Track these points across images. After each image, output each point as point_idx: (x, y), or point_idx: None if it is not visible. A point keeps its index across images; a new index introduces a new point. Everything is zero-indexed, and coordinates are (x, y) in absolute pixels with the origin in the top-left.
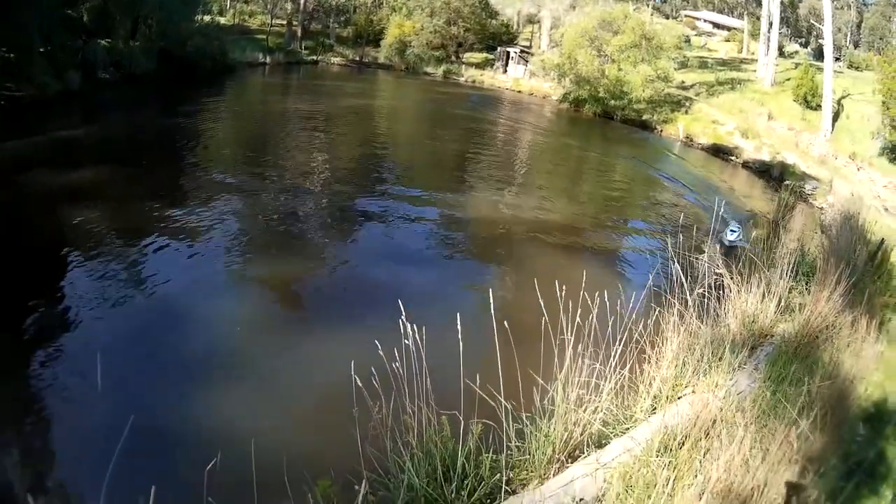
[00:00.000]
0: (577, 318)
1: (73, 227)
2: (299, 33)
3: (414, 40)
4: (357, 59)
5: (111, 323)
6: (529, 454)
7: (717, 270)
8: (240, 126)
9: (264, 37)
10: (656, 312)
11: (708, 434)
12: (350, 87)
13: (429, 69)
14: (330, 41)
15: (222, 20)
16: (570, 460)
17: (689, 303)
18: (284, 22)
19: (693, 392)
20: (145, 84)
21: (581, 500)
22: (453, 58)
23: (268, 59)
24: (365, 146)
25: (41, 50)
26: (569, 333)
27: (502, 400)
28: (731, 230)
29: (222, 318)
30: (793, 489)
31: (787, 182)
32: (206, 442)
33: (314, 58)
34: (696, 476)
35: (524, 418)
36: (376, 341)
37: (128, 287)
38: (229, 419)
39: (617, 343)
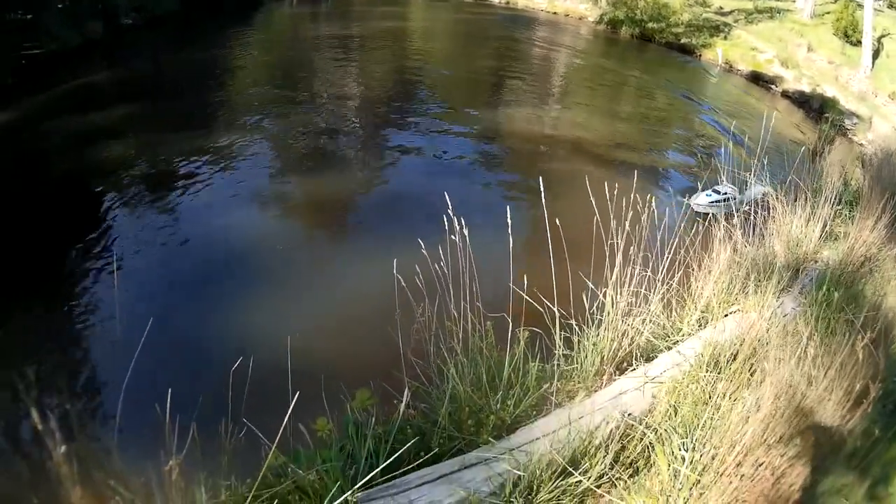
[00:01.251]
0: (627, 226)
1: (106, 159)
2: None
3: None
4: None
5: (153, 243)
6: (578, 363)
7: (764, 190)
8: (272, 55)
9: None
10: (703, 228)
11: (755, 352)
12: (381, 12)
13: None
14: None
15: None
16: (617, 373)
17: (736, 220)
18: None
19: (739, 311)
20: (170, 25)
21: (629, 414)
22: None
23: None
24: (400, 67)
25: (59, 5)
26: (619, 238)
27: (551, 305)
28: (707, 193)
29: (262, 230)
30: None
31: (826, 115)
32: (238, 347)
33: None
34: (749, 390)
35: (572, 326)
36: (420, 241)
37: (168, 208)
38: (264, 325)
39: (666, 252)
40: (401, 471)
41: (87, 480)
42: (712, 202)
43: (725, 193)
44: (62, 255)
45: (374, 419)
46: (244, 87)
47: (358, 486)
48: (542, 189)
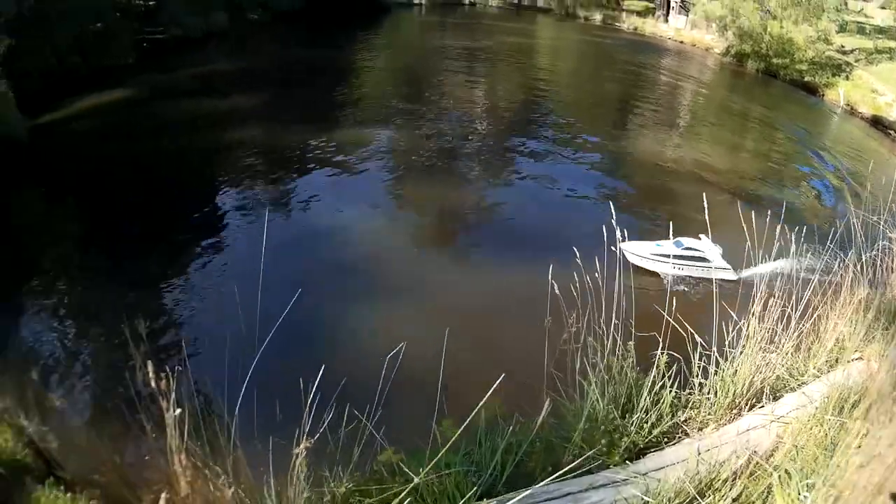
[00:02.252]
0: (766, 259)
1: (222, 144)
2: None
3: None
4: (515, 1)
5: (269, 237)
6: (713, 394)
7: (890, 234)
8: (398, 60)
9: None
10: (830, 272)
11: (880, 400)
12: (508, 28)
13: (588, 14)
14: None
15: None
16: (746, 408)
17: (862, 265)
18: None
19: (866, 357)
20: (295, 23)
21: (755, 451)
22: (613, 4)
23: (423, 0)
24: (525, 83)
25: None
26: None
27: (693, 332)
28: (658, 244)
29: (395, 231)
30: None
31: None
32: (369, 341)
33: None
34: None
35: (708, 356)
36: (575, 250)
37: (289, 201)
38: (405, 325)
39: (806, 291)
40: (526, 485)
41: (194, 450)
42: (655, 255)
43: (698, 251)
44: (182, 225)
45: (506, 428)
46: (368, 88)
47: (480, 496)
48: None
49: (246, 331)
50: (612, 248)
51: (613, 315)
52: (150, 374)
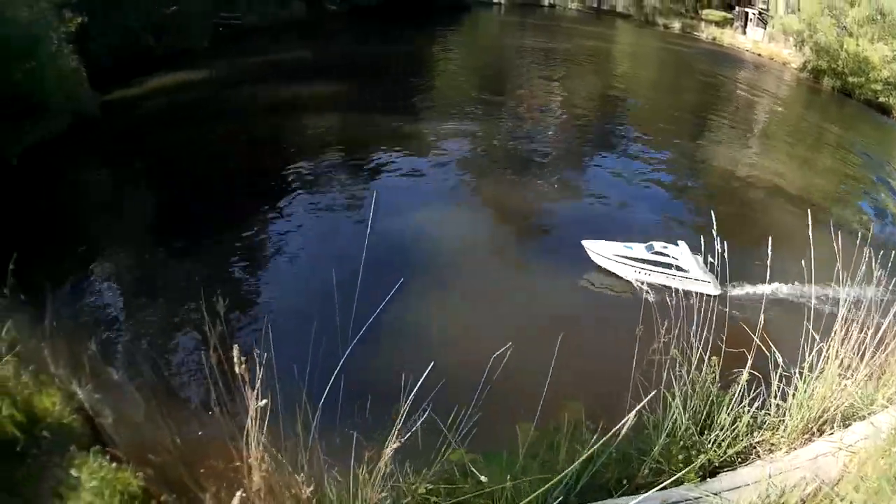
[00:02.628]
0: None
1: (295, 129)
2: None
3: None
4: (594, 5)
5: (341, 228)
6: (788, 417)
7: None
8: (476, 58)
9: None
10: None
11: None
12: (587, 31)
13: (666, 21)
14: None
15: None
16: (818, 433)
17: None
18: None
19: None
20: (374, 16)
21: (822, 480)
22: (692, 13)
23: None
24: (602, 88)
25: None
26: (843, 293)
27: (777, 351)
28: (628, 245)
29: (472, 231)
30: None
31: None
32: (443, 340)
33: (549, 1)
34: None
35: (788, 377)
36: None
37: (365, 193)
38: (482, 330)
39: (888, 319)
40: (599, 497)
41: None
42: (620, 256)
43: (669, 258)
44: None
45: (586, 435)
46: (445, 83)
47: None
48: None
49: (333, 320)
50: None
51: (702, 328)
52: (236, 359)
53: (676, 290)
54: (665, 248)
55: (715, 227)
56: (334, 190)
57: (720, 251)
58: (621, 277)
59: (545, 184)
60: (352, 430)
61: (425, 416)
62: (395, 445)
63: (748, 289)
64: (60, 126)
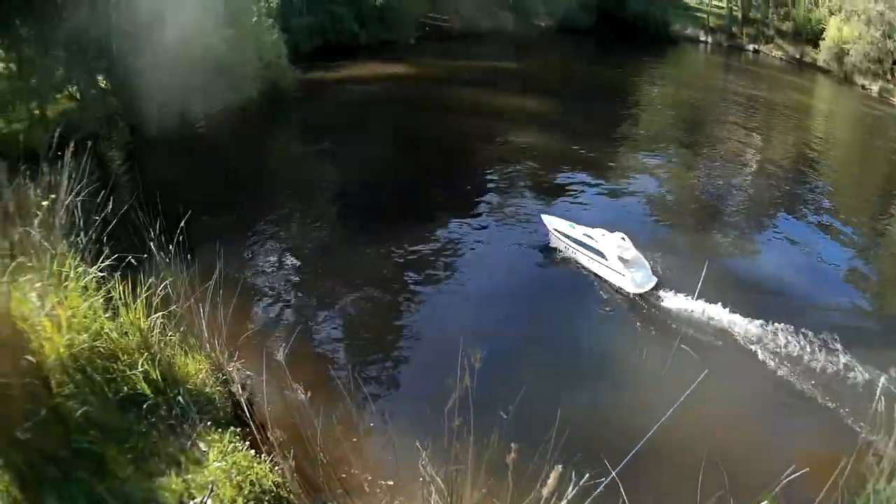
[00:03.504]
0: None
1: (493, 143)
2: (739, 18)
3: (851, 48)
4: (796, 56)
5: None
6: None
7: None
8: (678, 93)
9: (704, 15)
10: None
11: None
12: (787, 81)
13: (865, 82)
14: (770, 32)
15: None
16: None
17: None
18: (721, 3)
19: None
20: (582, 36)
21: None
22: (888, 75)
23: (708, 39)
24: (796, 144)
25: None
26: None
27: None
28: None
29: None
30: None
31: None
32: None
33: (753, 46)
34: None
35: None
36: None
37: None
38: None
39: None
40: None
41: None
42: (558, 231)
43: (594, 241)
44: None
45: None
46: (645, 115)
47: None
48: None
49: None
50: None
51: None
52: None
53: (597, 275)
54: (603, 235)
55: None
56: (519, 202)
57: None
58: None
59: (722, 237)
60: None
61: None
62: None
63: None
64: (252, 93)
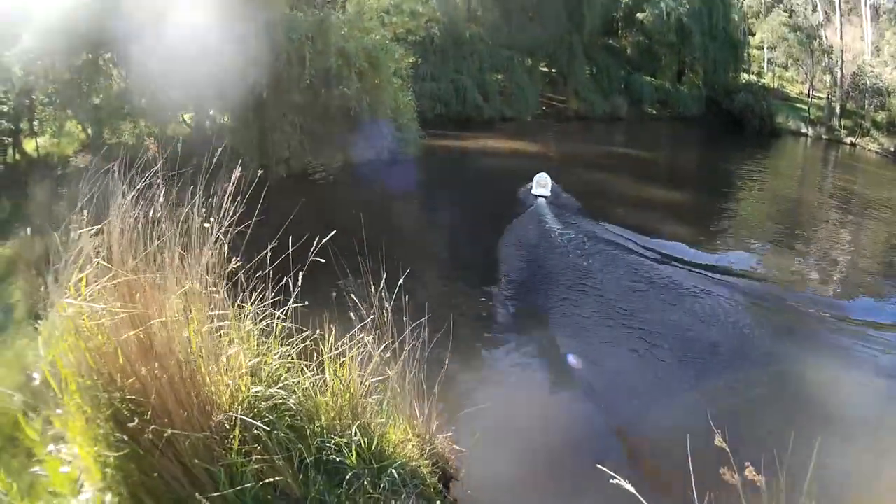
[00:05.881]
0: None
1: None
2: (837, 110)
3: None
4: (892, 149)
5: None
6: None
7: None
8: (779, 185)
9: (804, 106)
10: None
11: None
12: (883, 176)
13: None
14: (866, 124)
15: (763, 81)
16: None
17: None
18: (822, 95)
19: None
20: (691, 127)
21: None
22: None
23: (809, 132)
24: (889, 243)
25: (586, 71)
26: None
27: None
28: (541, 185)
29: None
30: None
31: None
32: None
33: (851, 139)
34: None
35: None
36: None
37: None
38: None
39: None
40: None
41: None
42: (548, 191)
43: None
44: None
45: None
46: (747, 209)
47: None
48: None
49: None
50: None
51: None
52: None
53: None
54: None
55: None
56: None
57: None
58: None
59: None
60: None
61: None
62: None
63: None
64: (383, 153)
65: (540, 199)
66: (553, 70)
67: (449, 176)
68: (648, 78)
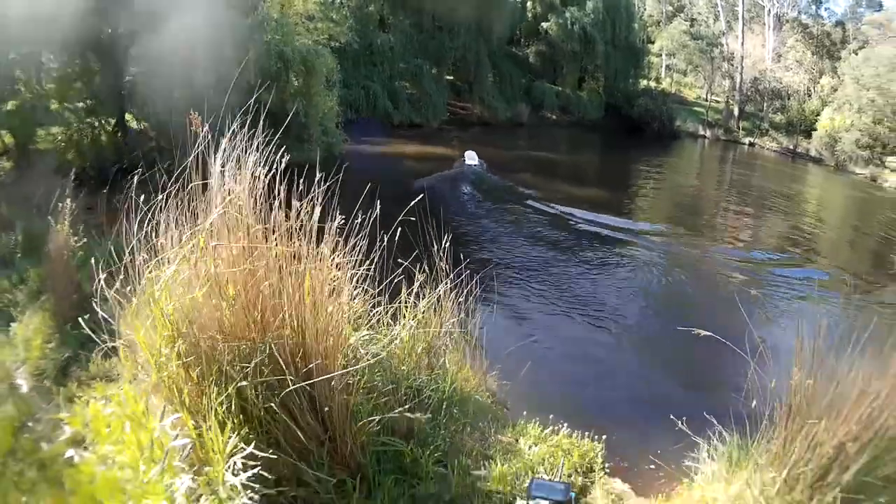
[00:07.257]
0: None
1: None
2: (735, 112)
3: (843, 136)
4: (790, 147)
5: None
6: None
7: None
8: (678, 180)
9: (703, 110)
10: None
11: None
12: (781, 171)
13: (857, 169)
14: (765, 125)
15: (661, 86)
16: None
17: None
18: (720, 99)
19: None
20: (591, 132)
21: None
22: (877, 160)
23: (707, 133)
24: (788, 229)
25: (490, 79)
26: None
27: None
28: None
29: None
30: None
31: None
32: None
33: (749, 139)
34: None
35: None
36: None
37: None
38: None
39: None
40: None
41: None
42: (477, 164)
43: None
44: None
45: None
46: (649, 199)
47: None
48: None
49: None
50: None
51: None
52: None
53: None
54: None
55: None
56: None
57: None
58: None
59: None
60: None
61: None
62: None
63: None
64: (311, 156)
65: (473, 166)
66: (458, 79)
67: (372, 176)
68: (550, 85)
